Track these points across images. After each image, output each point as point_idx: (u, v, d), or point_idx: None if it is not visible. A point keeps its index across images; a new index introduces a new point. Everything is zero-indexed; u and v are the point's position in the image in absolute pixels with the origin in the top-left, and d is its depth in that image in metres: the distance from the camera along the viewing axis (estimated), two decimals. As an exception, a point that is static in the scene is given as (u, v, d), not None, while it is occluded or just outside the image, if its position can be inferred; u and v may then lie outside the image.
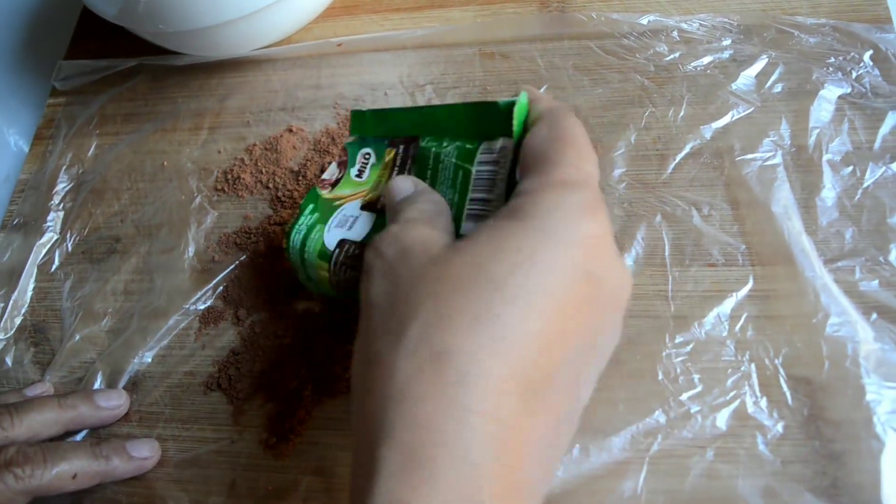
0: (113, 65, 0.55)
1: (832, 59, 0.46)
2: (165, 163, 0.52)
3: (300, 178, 0.48)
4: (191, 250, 0.47)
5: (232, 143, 0.51)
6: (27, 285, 0.48)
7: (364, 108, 0.39)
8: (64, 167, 0.53)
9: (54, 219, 0.51)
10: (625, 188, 0.44)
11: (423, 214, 0.30)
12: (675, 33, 0.49)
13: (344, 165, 0.39)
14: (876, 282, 0.39)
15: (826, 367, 0.36)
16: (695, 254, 0.41)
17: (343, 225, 0.36)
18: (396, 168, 0.36)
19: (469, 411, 0.23)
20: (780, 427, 0.36)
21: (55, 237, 0.50)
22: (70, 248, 0.49)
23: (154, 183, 0.51)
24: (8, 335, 0.46)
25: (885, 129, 0.43)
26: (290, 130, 0.51)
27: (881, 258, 0.39)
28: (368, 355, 0.26)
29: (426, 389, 0.23)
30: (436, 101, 0.50)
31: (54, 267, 0.49)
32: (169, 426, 0.42)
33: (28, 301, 0.48)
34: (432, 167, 0.33)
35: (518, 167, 0.29)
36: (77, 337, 0.45)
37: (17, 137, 0.56)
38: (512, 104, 0.30)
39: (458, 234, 0.30)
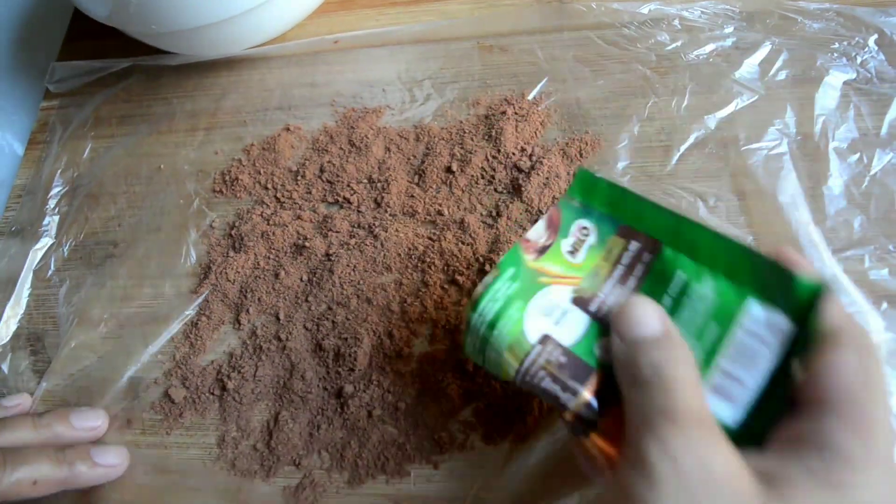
0: (106, 66, 0.55)
1: (836, 45, 0.45)
2: (162, 165, 0.51)
3: (299, 177, 0.47)
4: (190, 254, 0.46)
5: (229, 143, 0.51)
6: (23, 291, 0.48)
7: (597, 174, 0.32)
8: (59, 171, 0.52)
9: (50, 223, 0.50)
10: (629, 181, 0.43)
11: (700, 405, 0.24)
12: (676, 22, 0.48)
13: (555, 230, 0.32)
14: (886, 270, 0.38)
15: (838, 358, 0.36)
16: (702, 246, 0.40)
17: (549, 314, 0.29)
18: (623, 268, 0.30)
19: None
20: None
21: (51, 242, 0.49)
22: (66, 253, 0.48)
23: (150, 186, 0.50)
24: (4, 343, 0.46)
25: (891, 115, 0.42)
26: (288, 129, 0.50)
27: (891, 246, 0.39)
28: None
29: None
30: (435, 97, 0.49)
31: (50, 272, 0.48)
32: (172, 433, 0.41)
33: (24, 307, 0.47)
34: (675, 296, 0.27)
35: (804, 382, 0.24)
36: (73, 343, 0.44)
37: (11, 141, 0.56)
38: (817, 290, 0.25)
39: None
